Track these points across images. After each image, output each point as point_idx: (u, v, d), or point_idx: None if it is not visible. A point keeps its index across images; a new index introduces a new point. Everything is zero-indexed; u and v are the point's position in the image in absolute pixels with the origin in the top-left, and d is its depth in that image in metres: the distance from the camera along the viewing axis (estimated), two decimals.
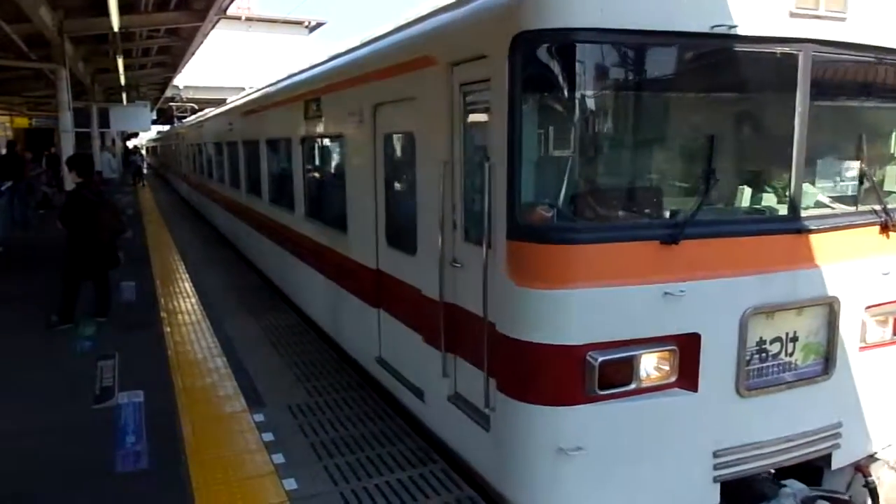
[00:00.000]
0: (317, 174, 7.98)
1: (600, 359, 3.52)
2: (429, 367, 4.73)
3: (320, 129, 7.17)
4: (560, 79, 3.55)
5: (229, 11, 18.00)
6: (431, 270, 4.54)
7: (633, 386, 3.63)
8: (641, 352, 3.62)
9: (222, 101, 17.08)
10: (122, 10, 12.73)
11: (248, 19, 44.42)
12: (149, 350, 7.16)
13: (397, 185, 5.53)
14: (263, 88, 10.64)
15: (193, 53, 22.07)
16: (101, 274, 8.21)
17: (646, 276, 3.57)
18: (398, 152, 5.49)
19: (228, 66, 38.66)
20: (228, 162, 13.51)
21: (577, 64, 3.50)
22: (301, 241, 8.12)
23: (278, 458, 4.78)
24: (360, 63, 6.02)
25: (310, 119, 7.38)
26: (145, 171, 40.28)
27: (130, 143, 50.20)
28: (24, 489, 4.42)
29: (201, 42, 19.81)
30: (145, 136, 52.63)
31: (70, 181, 8.97)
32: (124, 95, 26.60)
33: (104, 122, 24.53)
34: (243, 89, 15.86)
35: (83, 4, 14.42)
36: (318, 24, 48.70)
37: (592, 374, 3.53)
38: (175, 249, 13.84)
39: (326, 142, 7.48)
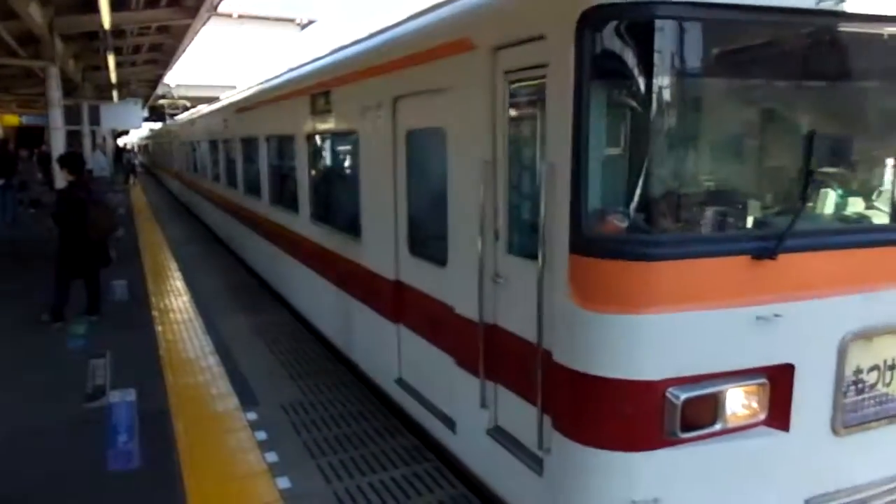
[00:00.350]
0: (325, 174, 7.43)
1: (683, 396, 3.01)
2: (462, 395, 4.20)
3: (329, 125, 6.61)
4: (639, 63, 2.99)
5: (220, 8, 17.91)
6: (467, 285, 4.00)
7: (717, 426, 3.13)
8: (728, 387, 3.11)
9: (213, 100, 16.99)
10: (113, 6, 12.65)
11: (240, 16, 44.25)
12: (141, 349, 7.14)
13: (423, 188, 4.93)
14: (263, 83, 10.03)
15: (184, 51, 21.97)
16: (93, 272, 8.17)
17: (735, 297, 3.07)
18: (425, 151, 4.90)
19: (220, 64, 38.53)
20: (225, 160, 13.04)
21: (660, 45, 2.96)
22: (306, 245, 7.53)
23: (271, 457, 4.78)
24: (378, 51, 5.43)
25: (317, 114, 6.82)
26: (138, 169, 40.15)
27: (120, 141, 49.96)
28: (14, 489, 4.39)
29: (192, 39, 19.71)
30: (136, 134, 52.40)
31: (61, 179, 8.93)
32: (115, 93, 26.46)
33: (95, 119, 24.41)
34: (234, 87, 15.73)
35: (73, 1, 14.33)
36: (310, 22, 48.59)
37: (674, 415, 3.02)
38: (167, 248, 13.79)
39: (336, 139, 6.92)
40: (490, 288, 3.85)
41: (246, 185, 11.04)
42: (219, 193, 13.92)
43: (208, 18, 16.90)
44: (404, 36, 5.02)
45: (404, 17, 5.24)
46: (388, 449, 4.95)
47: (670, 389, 3.03)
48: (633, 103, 3.09)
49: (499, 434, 3.92)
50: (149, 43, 21.09)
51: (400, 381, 5.22)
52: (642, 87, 3.02)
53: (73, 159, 8.42)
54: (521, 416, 3.68)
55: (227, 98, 13.68)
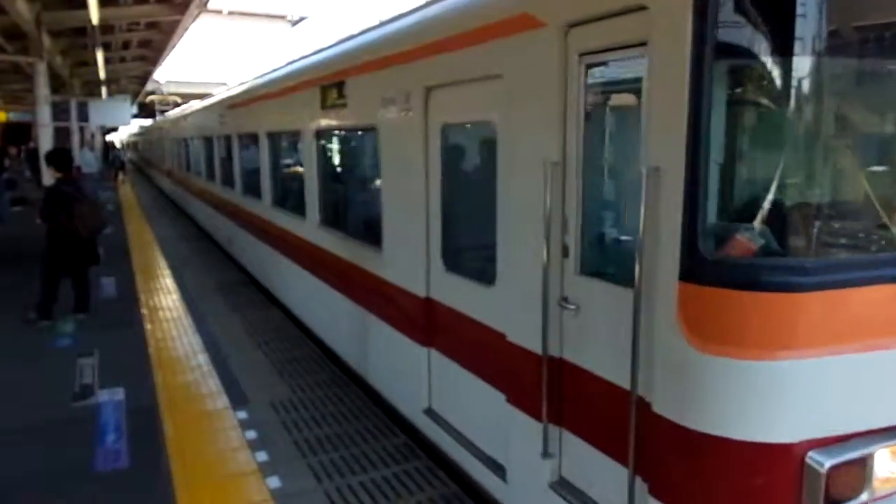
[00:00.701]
0: (337, 174, 6.72)
1: (829, 463, 2.42)
2: (517, 438, 3.60)
3: (343, 119, 5.91)
4: (781, 38, 2.40)
5: (210, 4, 17.83)
6: (523, 310, 3.43)
7: (864, 497, 2.54)
8: (877, 447, 2.51)
9: (204, 96, 16.83)
10: (102, 2, 12.57)
11: (231, 13, 44.12)
12: (130, 347, 7.08)
13: (462, 192, 4.36)
14: (264, 74, 9.27)
15: (174, 47, 21.87)
16: (81, 270, 8.11)
17: (890, 335, 2.50)
18: (465, 149, 4.38)
19: (210, 61, 38.39)
20: (221, 158, 12.15)
21: (809, 15, 2.38)
22: (314, 253, 6.83)
23: (261, 456, 4.75)
24: (407, 35, 4.74)
25: (329, 108, 6.09)
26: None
27: (109, 138, 49.71)
28: (1, 490, 4.35)
29: (182, 35, 19.62)
30: (126, 131, 52.11)
31: (49, 176, 8.86)
32: (104, 89, 26.31)
33: (83, 116, 24.23)
34: (225, 84, 15.57)
35: None
36: (301, 19, 48.48)
37: (816, 486, 2.43)
38: (156, 246, 13.70)
39: (352, 135, 6.21)
40: (556, 314, 3.24)
41: (244, 185, 10.33)
42: (214, 193, 13.34)
43: (198, 14, 16.83)
44: (442, 15, 4.30)
45: None
46: (379, 448, 4.93)
47: (811, 454, 2.44)
48: (772, 90, 2.52)
49: (566, 490, 3.30)
50: (138, 39, 20.99)
51: (429, 412, 4.65)
52: (783, 69, 2.45)
53: (59, 156, 8.33)
54: (599, 472, 3.09)
55: (223, 92, 13.00)
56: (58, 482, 4.44)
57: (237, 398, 5.77)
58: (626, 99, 2.98)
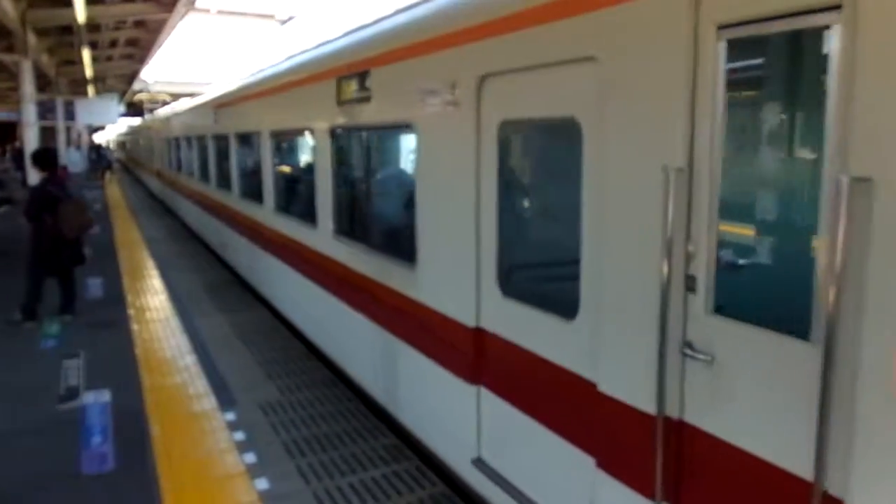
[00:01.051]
0: (356, 178, 6.00)
1: None
2: None
3: (366, 115, 5.15)
4: None
5: (198, 3, 17.76)
6: (623, 355, 2.78)
7: None
8: None
9: (193, 95, 16.67)
10: (88, 0, 12.47)
11: (219, 12, 43.93)
12: (116, 348, 7.03)
13: (527, 202, 3.79)
14: (265, 69, 8.63)
15: (161, 45, 21.74)
16: (67, 270, 8.04)
17: None
18: (532, 149, 3.77)
19: (199, 60, 38.22)
20: (216, 159, 11.53)
21: None
22: (327, 266, 6.14)
23: (250, 458, 4.72)
24: (452, 13, 4.02)
25: (347, 103, 5.39)
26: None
27: (97, 137, 49.38)
28: None
29: (170, 34, 19.50)
30: (114, 130, 51.74)
31: (35, 176, 8.78)
32: (90, 88, 26.13)
33: (70, 115, 24.06)
34: (212, 83, 15.40)
35: None
36: (290, 18, 48.34)
37: None
38: (144, 246, 13.62)
39: (377, 133, 5.52)
40: (676, 365, 2.56)
41: (242, 187, 9.69)
42: (207, 195, 12.77)
43: (186, 13, 16.74)
44: None
45: None
46: (368, 448, 4.92)
47: None
48: None
49: None
50: (125, 37, 20.86)
51: (479, 463, 3.91)
52: None
53: (44, 156, 8.27)
54: None
55: (219, 88, 12.31)
56: (43, 485, 4.38)
57: (225, 399, 5.74)
58: (805, 84, 2.41)
